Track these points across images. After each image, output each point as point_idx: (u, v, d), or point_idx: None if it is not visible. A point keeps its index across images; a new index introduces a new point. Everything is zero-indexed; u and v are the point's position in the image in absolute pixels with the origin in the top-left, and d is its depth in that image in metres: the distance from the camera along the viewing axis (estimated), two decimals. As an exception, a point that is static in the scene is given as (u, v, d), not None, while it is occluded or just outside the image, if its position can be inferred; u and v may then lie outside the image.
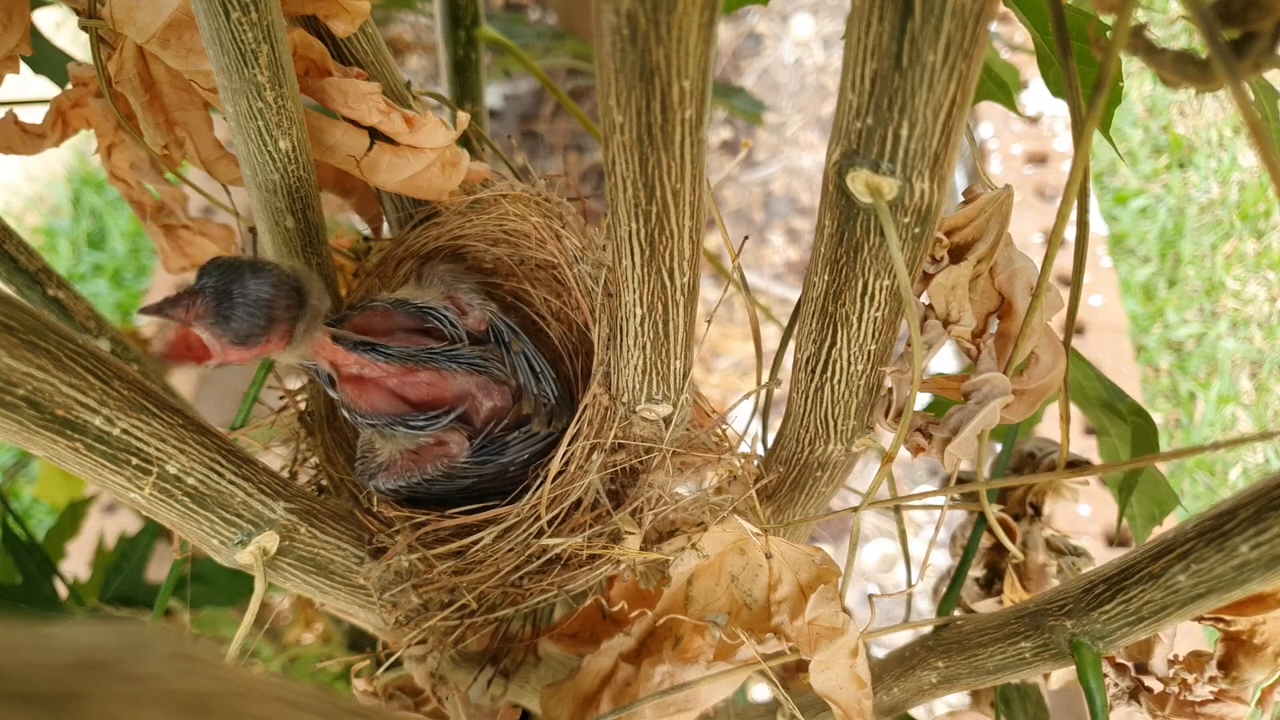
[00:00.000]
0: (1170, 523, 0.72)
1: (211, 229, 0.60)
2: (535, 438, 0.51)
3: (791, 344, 0.45)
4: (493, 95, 2.20)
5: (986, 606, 0.56)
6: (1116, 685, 0.47)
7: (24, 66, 0.52)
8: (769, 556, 0.48)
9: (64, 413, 0.35)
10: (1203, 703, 0.45)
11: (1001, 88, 0.55)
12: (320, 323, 0.46)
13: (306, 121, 0.47)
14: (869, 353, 0.40)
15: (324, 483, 0.55)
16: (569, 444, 0.47)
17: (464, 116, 0.52)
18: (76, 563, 1.34)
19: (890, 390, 0.43)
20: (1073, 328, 0.40)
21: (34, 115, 0.53)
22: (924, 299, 0.41)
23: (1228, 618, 0.42)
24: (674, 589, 0.48)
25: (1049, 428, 1.07)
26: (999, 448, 0.57)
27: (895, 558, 1.70)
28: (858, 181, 0.33)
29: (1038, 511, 0.57)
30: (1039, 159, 1.85)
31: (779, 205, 2.09)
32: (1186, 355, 1.90)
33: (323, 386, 0.50)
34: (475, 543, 0.48)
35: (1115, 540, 1.38)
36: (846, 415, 0.44)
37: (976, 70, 0.29)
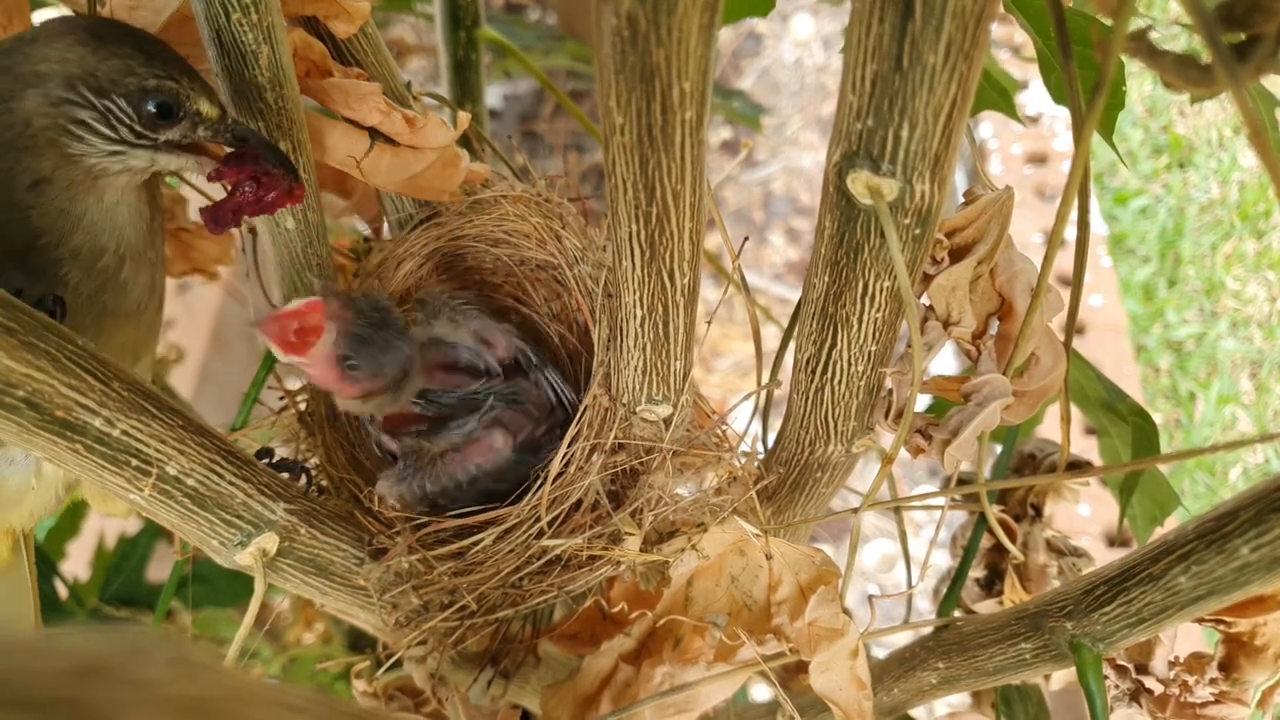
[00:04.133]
0: (1171, 523, 0.72)
1: (211, 231, 0.60)
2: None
3: (792, 345, 0.45)
4: (493, 96, 2.20)
5: (987, 607, 0.56)
6: (1117, 687, 0.47)
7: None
8: (769, 557, 0.47)
9: (64, 414, 0.35)
10: (1203, 704, 0.45)
11: (1002, 95, 0.54)
12: (398, 403, 0.50)
13: (307, 122, 0.47)
14: (869, 354, 0.40)
15: (324, 483, 0.55)
16: (569, 445, 0.47)
17: (464, 117, 0.52)
18: (76, 563, 1.34)
19: (890, 391, 0.42)
20: (1073, 329, 0.40)
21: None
22: (924, 300, 0.41)
23: (1228, 619, 0.42)
24: (674, 590, 0.48)
25: (1049, 428, 1.07)
26: (999, 448, 0.57)
27: (895, 558, 1.70)
28: (858, 183, 0.32)
29: (1038, 512, 0.57)
30: (1039, 159, 1.85)
31: (779, 205, 2.09)
32: (1186, 355, 1.90)
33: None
34: (475, 544, 0.48)
35: (1116, 541, 1.38)
36: (847, 416, 0.44)
37: (977, 72, 0.29)
